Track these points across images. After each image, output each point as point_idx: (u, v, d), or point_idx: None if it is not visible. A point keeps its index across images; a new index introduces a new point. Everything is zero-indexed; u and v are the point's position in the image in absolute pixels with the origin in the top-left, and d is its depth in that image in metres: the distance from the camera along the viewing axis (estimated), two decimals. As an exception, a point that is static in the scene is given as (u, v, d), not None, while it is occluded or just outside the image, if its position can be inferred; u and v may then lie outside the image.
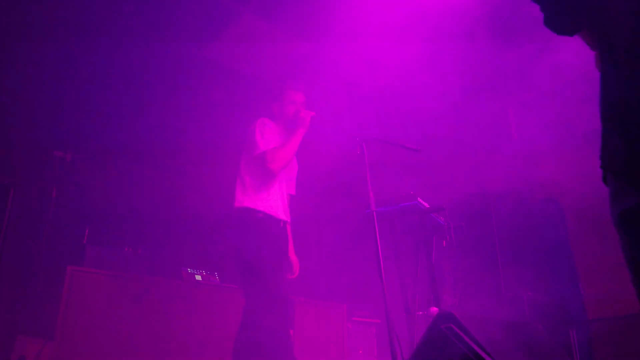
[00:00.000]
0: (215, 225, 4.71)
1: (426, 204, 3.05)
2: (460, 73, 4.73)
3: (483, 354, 2.12)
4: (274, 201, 3.14)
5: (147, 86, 4.64)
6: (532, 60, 4.63)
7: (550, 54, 4.53)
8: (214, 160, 4.81)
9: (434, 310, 2.96)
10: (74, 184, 4.10)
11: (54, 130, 4.19)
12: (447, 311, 2.34)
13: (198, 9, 4.24)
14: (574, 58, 4.05)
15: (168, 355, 3.77)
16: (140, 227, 4.27)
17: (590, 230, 4.50)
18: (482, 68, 4.89)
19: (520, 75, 5.07)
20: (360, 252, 5.03)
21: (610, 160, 1.05)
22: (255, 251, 2.94)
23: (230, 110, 4.97)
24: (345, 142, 3.19)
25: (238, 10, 4.34)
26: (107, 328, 3.54)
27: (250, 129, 3.21)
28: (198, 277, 4.37)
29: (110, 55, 4.44)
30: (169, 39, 4.43)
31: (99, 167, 4.27)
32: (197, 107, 4.82)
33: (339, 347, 4.74)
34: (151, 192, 4.44)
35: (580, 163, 4.66)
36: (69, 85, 4.36)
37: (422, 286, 3.06)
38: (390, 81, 4.67)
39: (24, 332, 3.32)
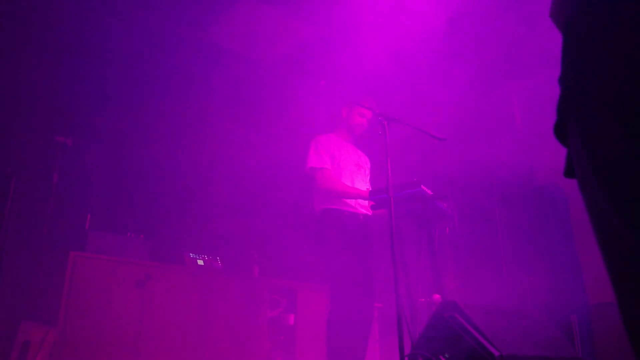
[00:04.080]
0: (217, 208, 4.72)
1: (429, 191, 3.03)
2: (464, 58, 4.66)
3: (486, 344, 2.13)
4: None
5: (151, 68, 4.59)
6: (538, 44, 4.57)
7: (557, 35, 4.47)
8: (216, 143, 4.79)
9: (437, 297, 2.96)
10: (76, 170, 4.08)
11: (54, 114, 4.16)
12: (451, 300, 2.34)
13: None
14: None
15: (171, 339, 3.79)
16: (144, 212, 4.27)
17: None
18: (486, 52, 4.83)
19: (525, 58, 5.01)
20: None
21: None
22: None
23: (234, 93, 4.94)
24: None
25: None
26: (110, 313, 3.55)
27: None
28: (200, 262, 4.38)
29: (112, 35, 4.39)
30: (176, 19, 4.37)
31: (101, 151, 4.25)
32: (201, 90, 4.78)
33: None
34: (154, 176, 4.43)
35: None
36: (69, 67, 4.31)
37: (424, 273, 3.06)
38: (392, 64, 4.61)
39: (28, 318, 3.33)
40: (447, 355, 2.23)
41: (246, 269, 4.65)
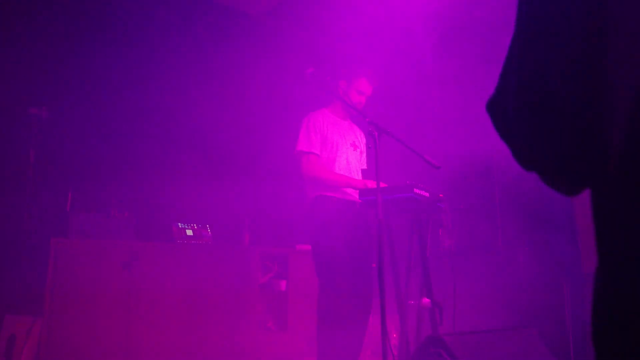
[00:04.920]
0: (206, 175, 4.55)
1: (425, 193, 2.86)
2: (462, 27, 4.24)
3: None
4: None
5: (133, 25, 4.22)
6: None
7: None
8: (200, 106, 4.53)
9: (426, 301, 2.89)
10: (53, 144, 3.87)
11: (25, 84, 3.87)
12: (437, 335, 2.26)
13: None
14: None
15: (161, 317, 3.79)
16: (127, 186, 4.10)
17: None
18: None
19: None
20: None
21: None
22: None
23: (223, 48, 4.59)
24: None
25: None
26: (97, 299, 3.52)
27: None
28: (189, 232, 4.30)
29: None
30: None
31: (79, 122, 4.00)
32: (184, 49, 4.44)
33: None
34: (136, 147, 4.22)
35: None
36: (36, 25, 3.96)
37: (414, 274, 2.96)
38: (394, 37, 4.24)
39: (11, 311, 3.30)
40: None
41: (237, 236, 4.58)
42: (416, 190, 2.78)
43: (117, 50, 4.15)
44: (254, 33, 4.70)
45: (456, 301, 3.29)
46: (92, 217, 3.72)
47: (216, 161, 4.64)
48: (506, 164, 4.52)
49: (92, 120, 4.04)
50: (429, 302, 2.89)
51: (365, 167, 3.53)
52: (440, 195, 2.94)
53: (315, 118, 3.26)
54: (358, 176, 3.32)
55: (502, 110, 0.79)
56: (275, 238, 4.86)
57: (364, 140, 3.56)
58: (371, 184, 3.02)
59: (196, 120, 4.48)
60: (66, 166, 3.90)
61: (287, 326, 4.53)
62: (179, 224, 4.25)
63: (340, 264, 3.06)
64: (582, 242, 4.46)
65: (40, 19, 3.96)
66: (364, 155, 3.53)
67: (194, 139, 4.49)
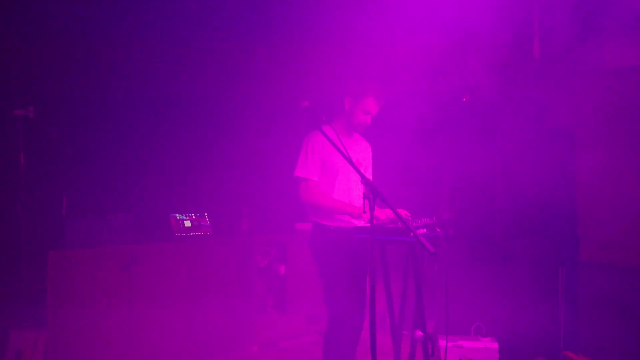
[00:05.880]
0: (202, 163, 4.46)
1: (422, 230, 2.81)
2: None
3: None
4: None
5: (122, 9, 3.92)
6: None
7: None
8: (192, 94, 4.34)
9: (419, 334, 2.93)
10: (44, 145, 3.76)
11: (7, 83, 3.69)
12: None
13: None
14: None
15: (164, 313, 3.89)
16: (122, 182, 4.03)
17: (606, 166, 4.21)
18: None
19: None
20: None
21: None
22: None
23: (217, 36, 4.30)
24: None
25: None
26: (99, 305, 3.58)
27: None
28: (188, 223, 4.29)
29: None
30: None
31: (66, 120, 3.85)
32: (177, 38, 4.16)
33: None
34: (128, 141, 4.09)
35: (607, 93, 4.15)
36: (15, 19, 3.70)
37: (409, 305, 2.99)
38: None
39: (15, 327, 3.37)
40: None
41: (235, 223, 4.58)
42: (412, 234, 2.72)
43: (106, 43, 3.90)
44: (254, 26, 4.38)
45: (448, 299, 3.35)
46: (89, 222, 3.70)
47: (211, 148, 4.53)
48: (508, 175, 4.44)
49: (80, 117, 3.89)
50: (422, 335, 2.94)
51: (371, 178, 3.45)
52: (444, 216, 2.89)
53: (314, 141, 3.13)
54: (359, 198, 3.22)
55: None
56: (274, 218, 4.85)
57: (370, 153, 3.44)
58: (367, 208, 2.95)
59: (188, 107, 4.31)
60: (58, 168, 3.82)
61: (285, 308, 4.67)
62: (177, 215, 4.23)
63: (342, 288, 3.09)
64: (582, 228, 4.45)
65: (22, 14, 3.68)
66: (369, 168, 3.43)
67: (186, 128, 4.35)
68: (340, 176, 3.18)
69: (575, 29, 3.92)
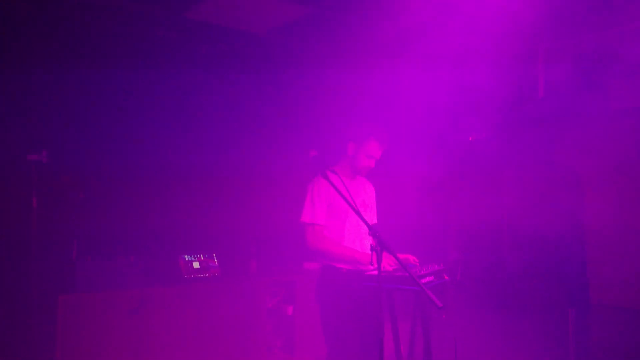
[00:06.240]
0: (209, 202, 4.51)
1: (430, 277, 2.81)
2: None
3: None
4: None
5: (129, 62, 4.04)
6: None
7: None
8: (201, 135, 4.42)
9: (428, 383, 2.91)
10: (55, 189, 3.82)
11: (22, 128, 3.77)
12: None
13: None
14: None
15: (173, 355, 3.88)
16: (132, 223, 4.07)
17: (613, 204, 4.19)
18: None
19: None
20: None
21: None
22: None
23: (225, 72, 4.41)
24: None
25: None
26: (108, 349, 3.59)
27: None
28: (196, 265, 4.31)
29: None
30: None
31: (78, 164, 3.92)
32: (187, 80, 4.27)
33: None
34: (138, 183, 4.15)
35: (616, 129, 4.14)
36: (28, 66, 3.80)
37: (416, 351, 2.97)
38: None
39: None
40: None
41: (244, 263, 4.59)
42: (423, 281, 2.73)
43: (115, 85, 4.00)
44: (260, 54, 4.49)
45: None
46: (98, 265, 3.73)
47: (219, 189, 4.58)
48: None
49: (91, 161, 3.96)
50: (431, 384, 2.91)
51: (375, 221, 3.47)
52: (452, 257, 2.89)
53: (319, 186, 3.15)
54: (367, 242, 3.23)
55: None
56: (282, 257, 4.85)
57: (374, 194, 3.47)
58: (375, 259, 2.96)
59: (196, 149, 4.38)
60: (69, 211, 3.87)
61: (293, 349, 4.63)
62: (186, 256, 4.26)
63: (348, 334, 3.07)
64: (591, 270, 4.42)
65: (34, 60, 3.79)
66: (374, 209, 3.46)
67: (194, 170, 4.40)
68: (349, 220, 3.20)
69: (578, 76, 3.97)
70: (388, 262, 3.05)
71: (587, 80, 4.05)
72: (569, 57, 4.00)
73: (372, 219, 3.43)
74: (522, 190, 4.53)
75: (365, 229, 3.22)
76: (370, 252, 3.12)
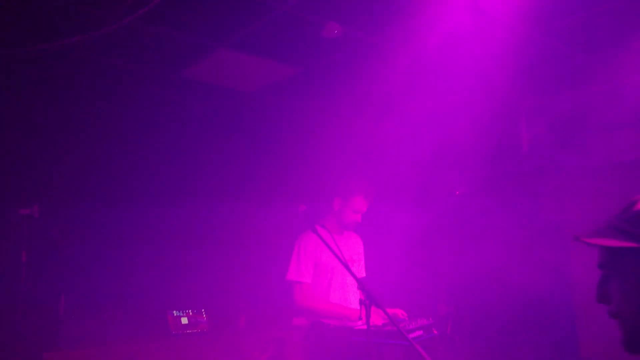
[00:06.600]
0: (199, 258, 4.51)
1: (419, 332, 2.82)
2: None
3: None
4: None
5: (118, 115, 4.15)
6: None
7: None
8: (192, 192, 4.48)
9: None
10: (44, 244, 3.82)
11: (14, 183, 3.81)
12: None
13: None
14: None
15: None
16: (120, 279, 4.06)
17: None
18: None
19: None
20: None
21: None
22: None
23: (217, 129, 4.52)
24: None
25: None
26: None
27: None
28: (184, 320, 4.27)
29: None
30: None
31: (69, 219, 3.95)
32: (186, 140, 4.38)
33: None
34: (128, 237, 4.16)
35: (602, 190, 4.25)
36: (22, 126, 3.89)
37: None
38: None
39: None
40: None
41: (233, 319, 4.55)
42: (411, 336, 2.74)
43: (108, 142, 4.09)
44: (249, 111, 4.63)
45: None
46: (85, 320, 3.70)
47: (207, 245, 4.59)
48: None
49: (80, 215, 3.99)
50: None
51: (364, 275, 3.50)
52: (441, 311, 2.90)
53: (306, 243, 3.21)
54: (355, 297, 3.25)
55: None
56: (271, 313, 4.81)
57: (362, 247, 3.52)
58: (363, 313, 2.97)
59: (182, 204, 4.43)
60: (57, 266, 3.86)
61: (283, 408, 4.53)
62: (174, 311, 4.22)
63: None
64: (582, 325, 4.43)
65: (27, 114, 3.88)
66: (362, 262, 3.49)
67: (182, 225, 4.44)
68: (335, 276, 3.23)
69: (558, 133, 4.12)
70: (377, 317, 3.06)
71: (566, 137, 4.21)
72: (549, 114, 4.17)
73: (361, 272, 3.47)
74: (508, 244, 4.59)
75: (353, 284, 3.26)
76: (358, 307, 3.15)
